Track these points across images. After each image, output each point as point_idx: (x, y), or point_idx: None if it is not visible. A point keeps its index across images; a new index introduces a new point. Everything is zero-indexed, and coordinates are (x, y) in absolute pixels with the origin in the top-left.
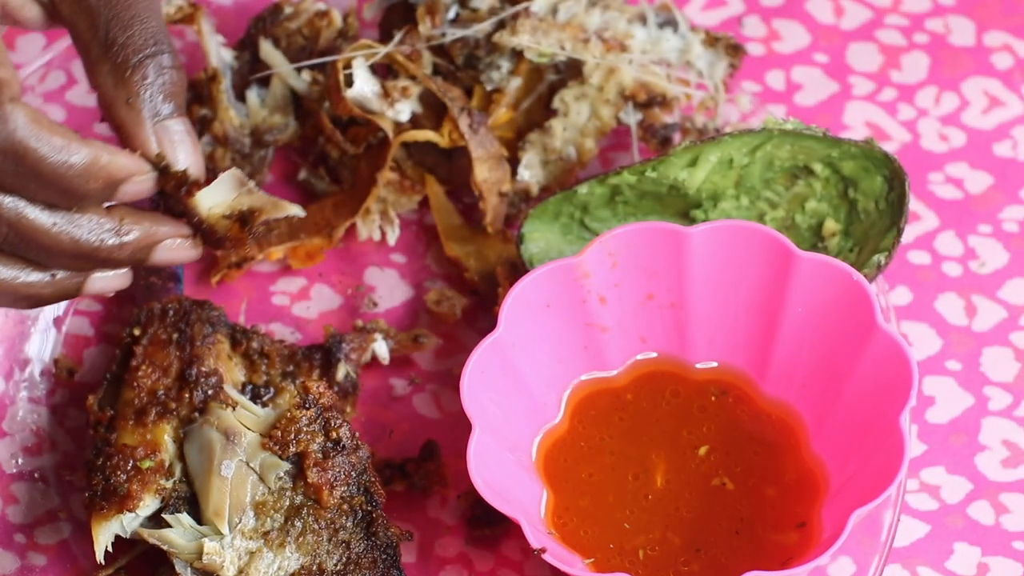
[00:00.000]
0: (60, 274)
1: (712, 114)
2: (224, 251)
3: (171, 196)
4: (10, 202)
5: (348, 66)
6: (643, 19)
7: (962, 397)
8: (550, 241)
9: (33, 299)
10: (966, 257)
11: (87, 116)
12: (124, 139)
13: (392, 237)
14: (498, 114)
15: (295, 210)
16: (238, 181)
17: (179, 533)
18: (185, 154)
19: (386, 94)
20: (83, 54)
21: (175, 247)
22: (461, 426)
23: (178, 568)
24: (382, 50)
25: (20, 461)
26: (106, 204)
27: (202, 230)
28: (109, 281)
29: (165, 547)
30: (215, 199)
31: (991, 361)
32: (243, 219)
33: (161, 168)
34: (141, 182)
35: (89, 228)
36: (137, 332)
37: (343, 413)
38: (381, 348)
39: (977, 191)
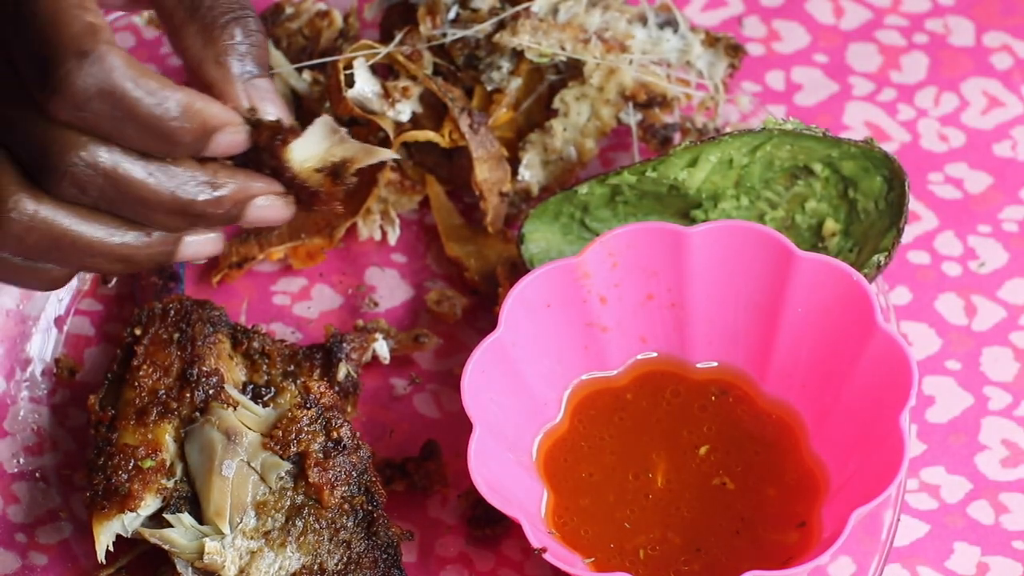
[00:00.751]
0: (155, 235)
1: (712, 114)
2: (316, 209)
3: (264, 150)
4: (106, 152)
5: (349, 66)
6: (643, 19)
7: (962, 397)
8: (550, 241)
9: (127, 261)
10: (966, 257)
11: None
12: (215, 97)
13: (393, 237)
14: (498, 114)
15: (388, 154)
16: (330, 129)
17: (180, 533)
18: (275, 108)
19: (387, 94)
20: (167, 21)
21: (268, 205)
22: (461, 426)
23: (179, 568)
24: (383, 50)
25: (21, 460)
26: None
27: (295, 186)
28: (202, 246)
29: (166, 547)
30: (308, 151)
31: (991, 361)
32: (335, 171)
33: (254, 121)
34: (234, 133)
35: (184, 179)
36: (138, 332)
37: (344, 413)
38: (382, 348)
39: (976, 191)
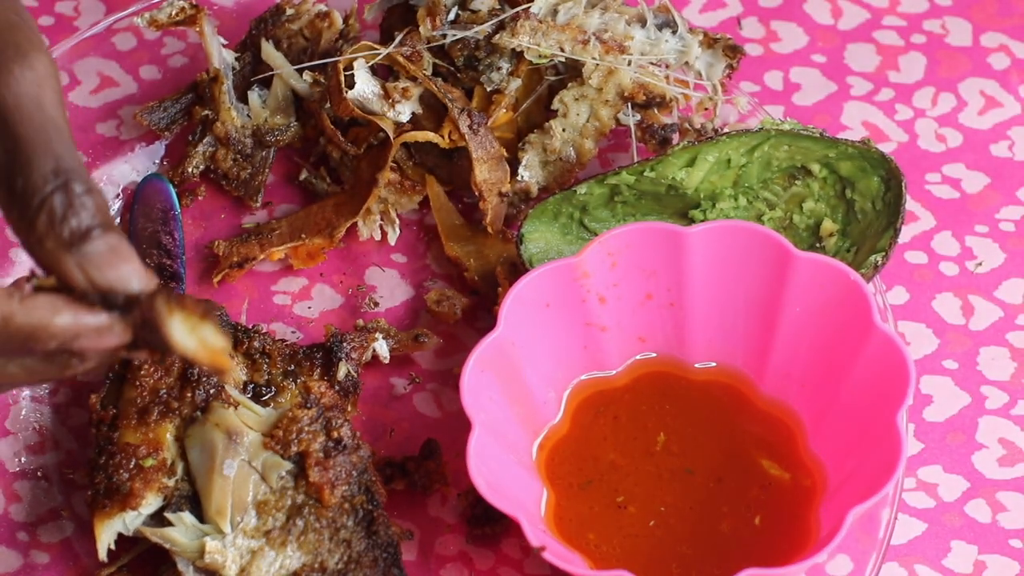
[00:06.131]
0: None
1: (710, 115)
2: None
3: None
4: None
5: (349, 67)
6: (642, 20)
7: (959, 396)
8: (549, 241)
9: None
10: (963, 257)
11: (88, 116)
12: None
13: (393, 237)
14: (498, 115)
15: (229, 375)
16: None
17: (181, 532)
18: (120, 270)
19: (387, 95)
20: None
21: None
22: (461, 425)
23: (180, 567)
24: (383, 51)
25: (23, 459)
26: None
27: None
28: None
29: (167, 546)
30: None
31: (988, 360)
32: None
33: (110, 301)
34: (97, 338)
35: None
36: None
37: (344, 412)
38: (382, 347)
39: (974, 191)
